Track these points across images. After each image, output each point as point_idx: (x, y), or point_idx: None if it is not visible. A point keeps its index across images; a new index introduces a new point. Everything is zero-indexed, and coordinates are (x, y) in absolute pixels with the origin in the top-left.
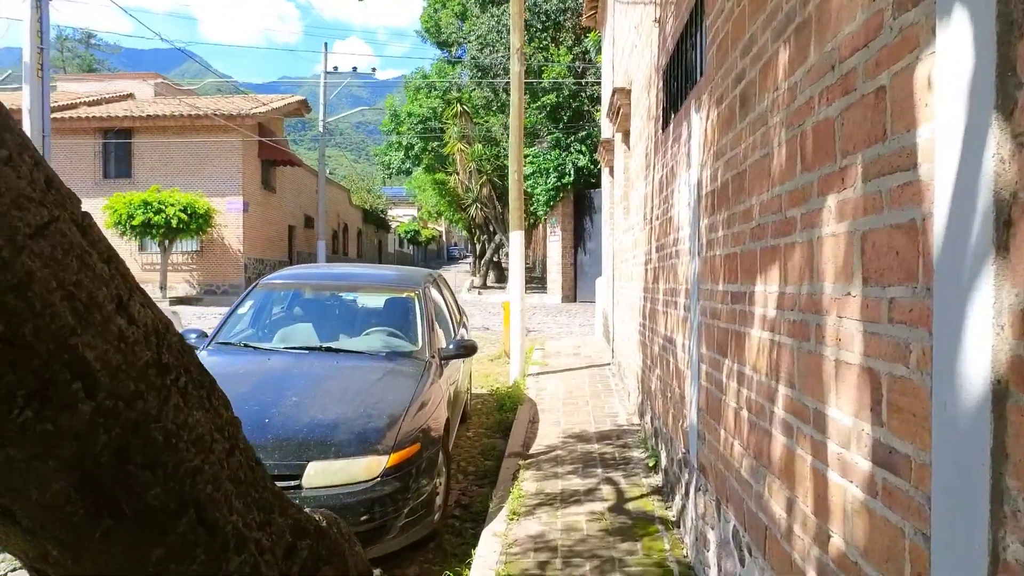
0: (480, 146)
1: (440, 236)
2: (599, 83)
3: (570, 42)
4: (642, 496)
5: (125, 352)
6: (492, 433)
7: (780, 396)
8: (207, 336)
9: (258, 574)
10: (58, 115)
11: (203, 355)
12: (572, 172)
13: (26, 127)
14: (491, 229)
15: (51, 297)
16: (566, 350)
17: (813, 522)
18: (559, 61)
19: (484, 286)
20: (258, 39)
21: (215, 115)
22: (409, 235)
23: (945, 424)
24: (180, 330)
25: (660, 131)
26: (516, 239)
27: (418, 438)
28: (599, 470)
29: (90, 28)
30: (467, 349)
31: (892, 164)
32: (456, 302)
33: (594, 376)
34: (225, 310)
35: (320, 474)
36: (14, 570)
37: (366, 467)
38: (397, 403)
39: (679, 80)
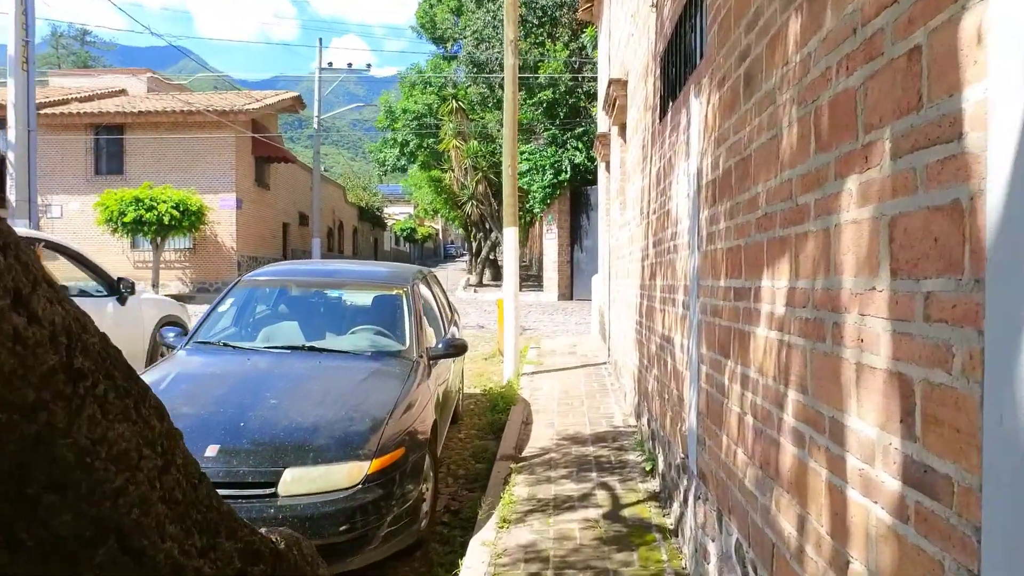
0: (476, 143)
1: (437, 234)
2: (596, 79)
3: (567, 38)
4: (638, 502)
5: (22, 356)
6: (484, 434)
7: (790, 402)
8: (187, 334)
9: None
10: (49, 111)
11: (181, 354)
12: (569, 169)
13: (10, 122)
14: (487, 226)
15: None
16: (561, 349)
17: (829, 544)
18: (556, 57)
19: (480, 284)
20: (255, 37)
21: (208, 111)
22: (405, 233)
23: (1000, 441)
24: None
25: (657, 121)
26: (510, 235)
27: (403, 442)
28: (594, 474)
29: (85, 25)
30: (457, 349)
31: (929, 136)
32: (447, 300)
33: (590, 375)
34: None
35: (297, 481)
36: None
37: (347, 473)
38: (381, 405)
39: (678, 66)
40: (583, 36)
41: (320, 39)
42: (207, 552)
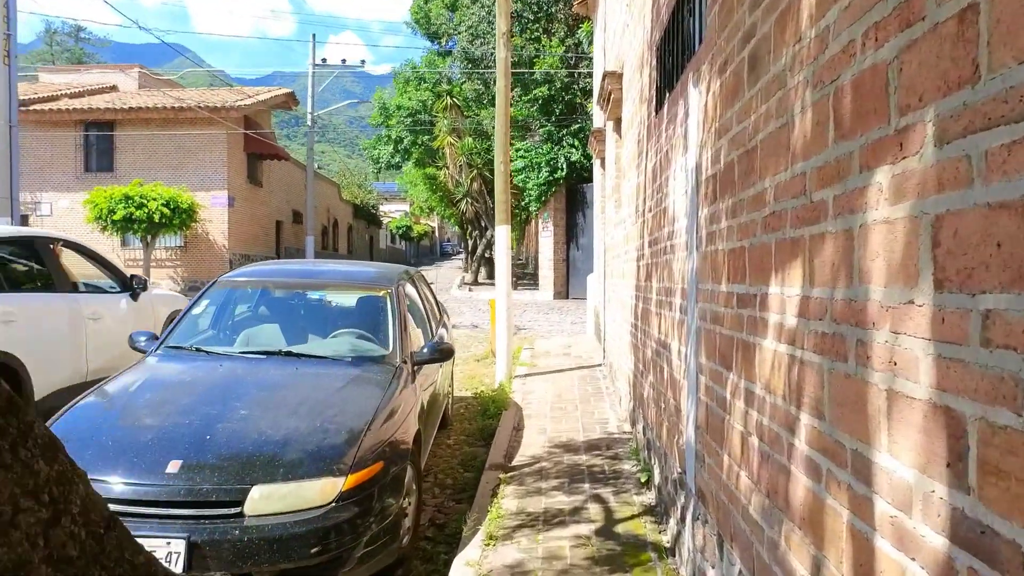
0: (470, 140)
1: (433, 232)
2: (592, 75)
3: (563, 33)
4: (633, 517)
5: None
6: (474, 441)
7: (803, 427)
8: (157, 339)
9: None
10: (39, 107)
11: (150, 360)
12: (564, 166)
13: None
14: (482, 224)
15: None
16: (556, 349)
17: None
18: (552, 53)
19: (475, 283)
20: (251, 33)
21: (199, 107)
22: (401, 231)
23: None
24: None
25: (653, 114)
26: (502, 233)
27: (383, 454)
28: (586, 485)
29: (78, 21)
30: (443, 353)
31: (990, 115)
32: (436, 300)
33: (584, 378)
34: None
35: (265, 499)
36: None
37: (319, 491)
38: (359, 415)
39: (675, 54)
40: (579, 32)
41: (313, 35)
42: None
